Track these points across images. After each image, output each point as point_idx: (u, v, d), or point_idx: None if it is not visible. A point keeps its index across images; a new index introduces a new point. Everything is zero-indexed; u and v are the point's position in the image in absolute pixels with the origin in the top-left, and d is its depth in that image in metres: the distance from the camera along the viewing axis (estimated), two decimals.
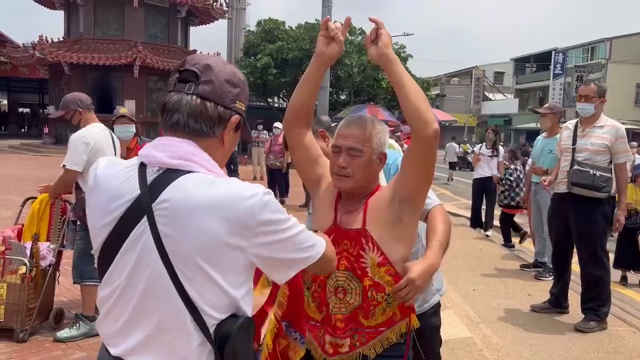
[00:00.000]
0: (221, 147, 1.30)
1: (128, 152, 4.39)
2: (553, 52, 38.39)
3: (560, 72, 37.39)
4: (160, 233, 1.18)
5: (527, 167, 7.47)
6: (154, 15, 22.82)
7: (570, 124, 4.56)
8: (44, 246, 3.85)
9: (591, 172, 4.13)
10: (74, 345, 3.67)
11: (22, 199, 4.26)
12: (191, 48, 25.36)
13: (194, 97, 1.24)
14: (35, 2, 23.51)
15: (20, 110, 37.08)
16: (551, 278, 5.58)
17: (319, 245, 1.32)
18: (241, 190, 1.20)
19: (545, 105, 6.07)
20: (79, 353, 3.57)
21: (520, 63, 48.05)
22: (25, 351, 3.52)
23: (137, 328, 1.24)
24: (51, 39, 22.31)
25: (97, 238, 1.27)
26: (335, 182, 1.79)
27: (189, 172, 1.20)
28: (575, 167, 4.21)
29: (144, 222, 1.19)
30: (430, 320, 2.44)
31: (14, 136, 27.24)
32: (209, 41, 55.53)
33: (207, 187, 1.19)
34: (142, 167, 1.24)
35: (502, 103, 47.91)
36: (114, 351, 1.27)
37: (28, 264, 3.68)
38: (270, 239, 1.22)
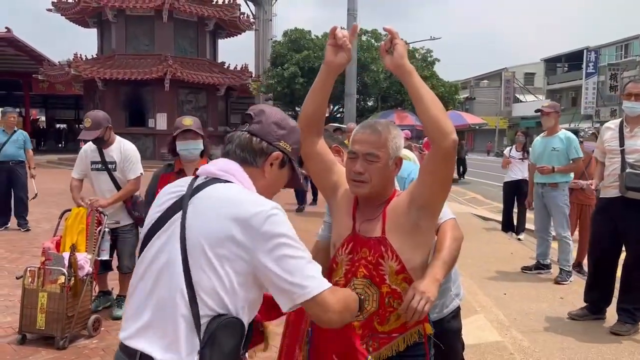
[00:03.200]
0: (262, 176, 1.49)
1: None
2: (585, 51, 37.63)
3: (593, 70, 36.61)
4: (186, 223, 1.36)
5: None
6: (183, 30, 23.29)
7: (613, 124, 4.40)
8: (82, 256, 4.00)
9: None
10: (111, 351, 3.79)
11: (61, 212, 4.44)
12: (219, 60, 25.76)
13: (245, 132, 1.49)
14: (70, 21, 24.31)
15: (58, 126, 38.25)
16: (569, 282, 5.50)
17: (321, 282, 1.36)
18: (257, 200, 1.38)
19: (547, 104, 5.92)
20: None
21: (551, 63, 47.23)
22: (65, 358, 3.66)
23: (144, 312, 1.37)
24: (85, 56, 23.02)
25: (143, 231, 1.47)
26: (352, 188, 1.81)
27: (227, 181, 1.42)
28: (628, 170, 4.03)
29: (179, 214, 1.39)
30: (451, 324, 2.47)
31: (52, 151, 28.10)
32: (237, 53, 56.28)
33: (231, 190, 1.39)
34: (196, 177, 1.49)
35: (534, 104, 47.06)
36: (121, 335, 1.41)
37: (67, 273, 3.82)
38: (272, 250, 1.31)
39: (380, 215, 1.79)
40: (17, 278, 4.13)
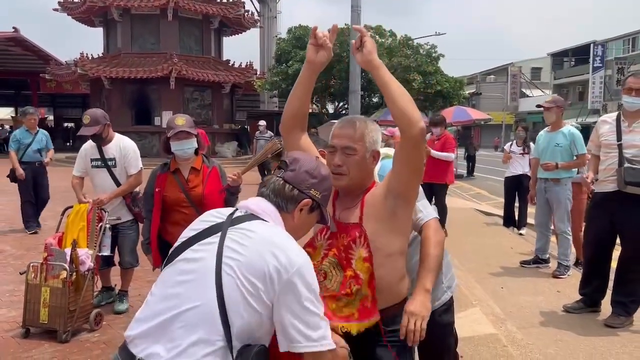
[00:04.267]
0: (291, 221, 1.63)
1: (194, 173, 3.70)
2: (592, 45, 37.36)
3: (600, 65, 36.36)
4: (225, 244, 1.48)
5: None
6: (188, 28, 23.43)
7: (609, 117, 4.39)
8: (83, 252, 4.07)
9: None
10: (113, 345, 3.89)
11: None
12: (224, 58, 25.86)
13: (280, 179, 1.63)
14: (76, 20, 24.51)
15: (65, 124, 38.56)
16: (567, 276, 5.53)
17: (328, 342, 1.47)
18: (297, 250, 1.51)
19: (548, 99, 5.91)
20: None
21: (558, 58, 46.96)
22: (67, 351, 3.75)
23: (161, 317, 1.45)
24: (91, 55, 23.21)
25: (178, 241, 1.60)
26: (332, 180, 1.90)
27: (262, 219, 1.56)
28: (627, 164, 4.05)
29: (217, 235, 1.51)
30: (442, 318, 2.49)
31: (59, 150, 28.02)
32: (241, 50, 56.44)
33: (275, 232, 1.54)
34: (235, 209, 1.63)
35: (540, 99, 46.58)
36: (127, 332, 1.49)
37: (68, 269, 3.90)
38: (292, 296, 1.43)
39: (359, 204, 1.88)
40: (20, 274, 4.23)
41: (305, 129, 2.06)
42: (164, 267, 1.59)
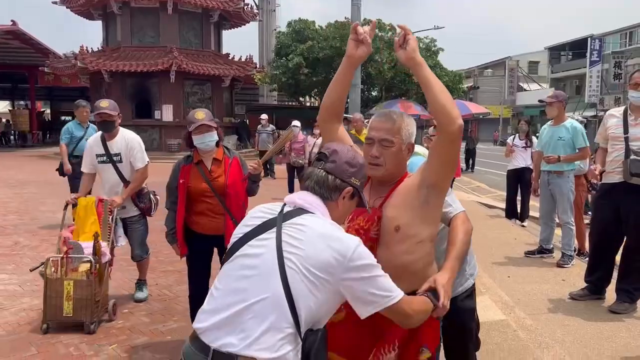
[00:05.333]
0: (336, 208, 1.74)
1: (216, 164, 3.77)
2: (589, 39, 37.47)
3: (597, 59, 36.50)
4: (283, 240, 1.60)
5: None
6: (187, 21, 23.40)
7: (617, 111, 4.54)
8: (103, 244, 4.11)
9: None
10: (137, 330, 4.03)
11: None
12: (224, 52, 25.87)
13: (322, 170, 1.73)
14: (75, 13, 24.44)
15: (63, 118, 38.45)
16: (571, 265, 5.69)
17: (398, 292, 1.65)
18: (347, 237, 1.64)
19: (550, 94, 6.06)
20: (142, 338, 3.92)
21: (555, 52, 47.04)
22: (94, 337, 3.88)
23: (229, 310, 1.58)
24: (91, 48, 23.17)
25: (230, 243, 1.73)
26: (368, 170, 1.99)
27: (310, 212, 1.68)
28: (633, 156, 4.20)
29: (272, 231, 1.63)
30: (465, 302, 2.62)
31: (57, 143, 28.18)
32: (241, 44, 56.29)
33: (326, 225, 1.65)
34: (284, 204, 1.74)
35: (538, 93, 46.87)
36: (196, 325, 1.62)
37: (93, 260, 3.95)
38: (357, 275, 1.59)
39: (387, 193, 2.01)
40: (31, 270, 4.28)
41: (342, 120, 2.18)
42: (224, 262, 1.71)
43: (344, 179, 1.74)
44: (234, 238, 1.72)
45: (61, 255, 3.99)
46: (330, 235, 1.61)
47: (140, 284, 4.79)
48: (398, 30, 1.92)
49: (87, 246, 4.04)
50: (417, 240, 1.98)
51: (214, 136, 3.71)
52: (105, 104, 4.42)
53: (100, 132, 4.57)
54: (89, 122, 7.41)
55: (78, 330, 3.92)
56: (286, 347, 1.52)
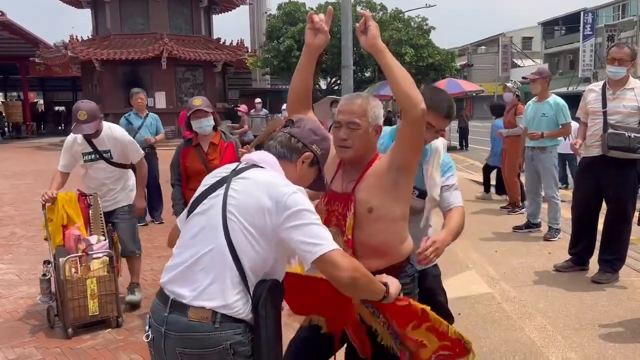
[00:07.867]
0: (294, 170, 1.82)
1: (213, 147, 4.05)
2: (582, 13, 37.33)
3: (590, 32, 36.41)
4: (228, 194, 1.70)
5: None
6: (177, 7, 23.25)
7: (596, 86, 4.60)
8: (101, 239, 3.96)
9: (626, 134, 4.21)
10: (132, 315, 4.14)
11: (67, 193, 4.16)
12: (215, 36, 25.73)
13: (286, 133, 1.85)
14: (63, 2, 24.23)
15: (56, 108, 38.32)
16: (557, 239, 5.81)
17: (331, 244, 1.64)
18: (285, 183, 1.72)
19: (533, 71, 6.14)
20: (136, 321, 4.03)
21: (549, 27, 46.91)
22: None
23: (184, 259, 1.71)
24: (81, 37, 23.03)
25: (191, 200, 1.82)
26: (338, 153, 2.09)
27: (262, 167, 1.76)
28: (610, 130, 4.27)
29: (222, 188, 1.73)
30: (430, 269, 2.79)
31: (52, 134, 28.28)
32: (232, 28, 55.72)
33: (267, 174, 1.74)
34: (239, 162, 1.84)
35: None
36: (161, 280, 1.76)
37: (114, 254, 3.88)
38: (292, 223, 1.63)
39: (358, 176, 2.08)
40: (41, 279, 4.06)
41: (310, 107, 2.26)
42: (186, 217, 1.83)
43: (306, 144, 1.83)
44: (192, 198, 1.82)
45: (80, 254, 3.83)
46: (270, 183, 1.69)
47: (133, 287, 4.39)
48: (367, 13, 1.97)
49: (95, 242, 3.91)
50: (390, 219, 2.06)
51: (210, 121, 4.07)
52: (82, 115, 3.94)
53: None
54: (147, 111, 7.14)
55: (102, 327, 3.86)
56: (233, 297, 1.63)
